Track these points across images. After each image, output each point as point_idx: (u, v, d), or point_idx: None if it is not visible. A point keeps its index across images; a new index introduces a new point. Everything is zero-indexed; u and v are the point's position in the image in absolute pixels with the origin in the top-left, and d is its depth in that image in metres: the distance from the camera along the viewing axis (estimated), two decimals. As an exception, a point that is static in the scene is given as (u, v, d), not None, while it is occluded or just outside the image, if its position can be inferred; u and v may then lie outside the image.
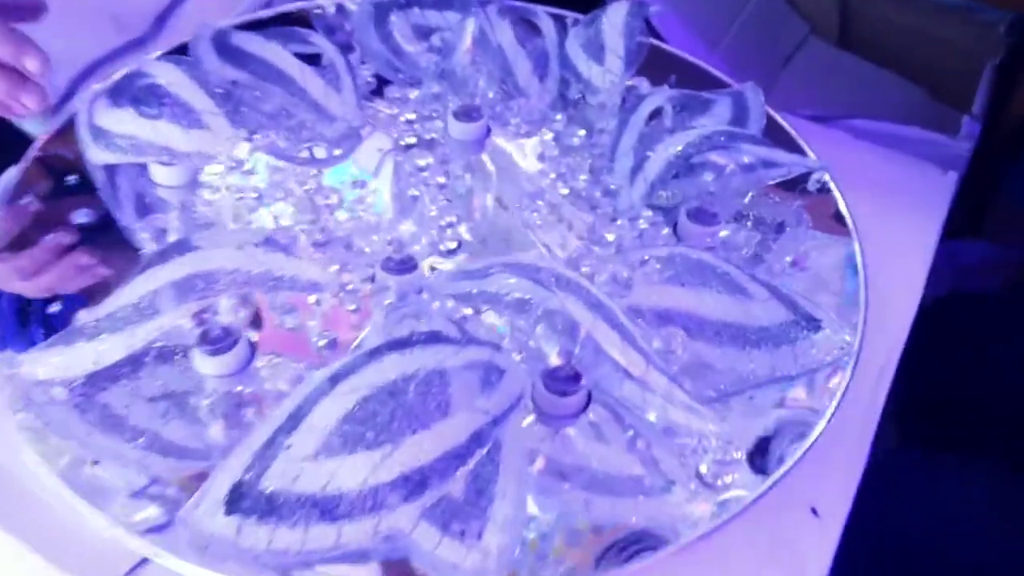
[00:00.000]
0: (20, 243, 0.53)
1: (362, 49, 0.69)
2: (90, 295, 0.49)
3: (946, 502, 0.73)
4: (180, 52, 0.63)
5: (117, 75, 0.59)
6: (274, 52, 0.61)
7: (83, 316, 0.45)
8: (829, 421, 0.46)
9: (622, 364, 0.42)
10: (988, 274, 0.92)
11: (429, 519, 0.40)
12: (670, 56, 0.70)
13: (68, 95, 0.73)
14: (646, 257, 0.49)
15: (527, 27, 0.70)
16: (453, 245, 0.56)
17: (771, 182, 0.57)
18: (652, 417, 0.43)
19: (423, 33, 0.69)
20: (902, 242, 0.64)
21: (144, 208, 0.56)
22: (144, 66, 0.57)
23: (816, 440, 0.45)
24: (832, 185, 0.60)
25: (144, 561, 0.45)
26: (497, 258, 0.47)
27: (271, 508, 0.39)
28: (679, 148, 0.54)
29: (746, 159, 0.54)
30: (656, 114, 0.61)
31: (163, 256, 0.44)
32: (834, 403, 0.47)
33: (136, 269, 0.45)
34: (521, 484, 0.42)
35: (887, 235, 0.62)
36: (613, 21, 0.63)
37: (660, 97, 0.60)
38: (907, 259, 0.63)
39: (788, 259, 0.56)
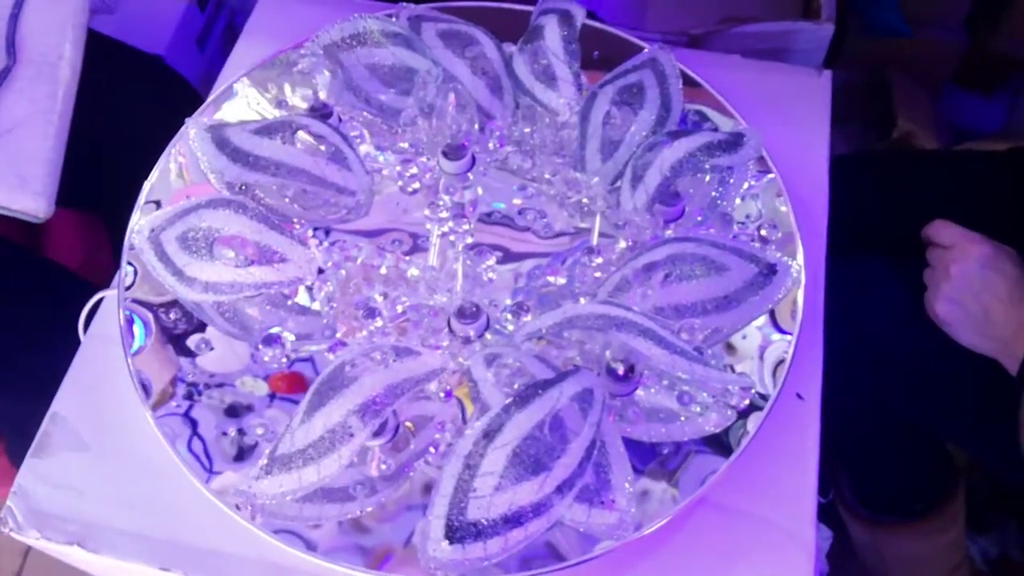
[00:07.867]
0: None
1: (337, 102, 0.79)
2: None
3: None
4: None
5: (168, 214, 0.70)
6: (285, 152, 0.72)
7: (283, 445, 0.61)
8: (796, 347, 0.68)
9: (670, 370, 0.62)
10: None
11: (578, 500, 0.61)
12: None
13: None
14: (649, 262, 0.67)
15: (461, 38, 0.81)
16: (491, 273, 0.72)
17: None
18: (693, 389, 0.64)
19: (380, 74, 0.79)
20: (802, 148, 0.82)
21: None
22: (202, 217, 0.67)
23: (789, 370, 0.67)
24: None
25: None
26: (562, 313, 0.64)
27: (478, 531, 0.59)
28: (670, 164, 0.69)
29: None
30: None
31: (331, 390, 0.60)
32: (797, 325, 0.68)
33: (307, 399, 0.61)
34: (622, 454, 0.63)
35: (786, 144, 0.81)
36: (554, 49, 0.75)
37: (604, 101, 0.75)
38: (808, 159, 0.82)
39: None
